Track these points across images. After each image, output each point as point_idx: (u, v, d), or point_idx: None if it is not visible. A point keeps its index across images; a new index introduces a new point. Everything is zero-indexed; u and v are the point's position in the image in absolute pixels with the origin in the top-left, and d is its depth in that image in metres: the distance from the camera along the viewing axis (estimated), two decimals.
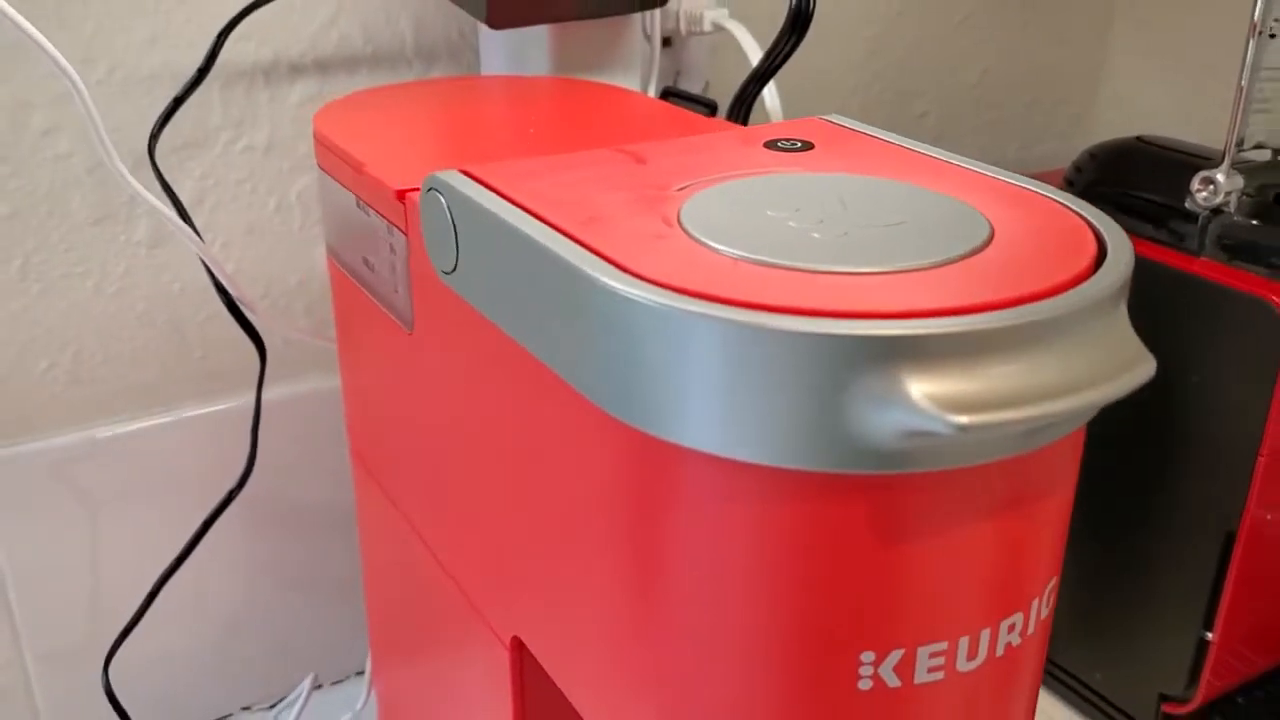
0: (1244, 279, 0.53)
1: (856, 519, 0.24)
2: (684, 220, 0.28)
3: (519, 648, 0.35)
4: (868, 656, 0.25)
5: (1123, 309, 0.25)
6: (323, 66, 0.57)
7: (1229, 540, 0.55)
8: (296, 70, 0.56)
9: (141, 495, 0.59)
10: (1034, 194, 0.30)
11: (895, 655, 0.25)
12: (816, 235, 0.27)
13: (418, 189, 0.33)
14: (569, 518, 0.29)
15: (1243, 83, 0.53)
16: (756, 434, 0.24)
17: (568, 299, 0.26)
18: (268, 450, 0.60)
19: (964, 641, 0.26)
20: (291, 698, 0.62)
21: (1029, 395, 0.22)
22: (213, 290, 0.53)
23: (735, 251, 0.26)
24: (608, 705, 0.30)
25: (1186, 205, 0.56)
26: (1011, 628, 0.26)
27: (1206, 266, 0.55)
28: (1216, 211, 0.55)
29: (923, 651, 0.25)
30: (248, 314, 0.52)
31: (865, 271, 0.25)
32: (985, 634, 0.26)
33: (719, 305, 0.23)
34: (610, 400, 0.26)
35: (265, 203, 0.57)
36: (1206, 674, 0.59)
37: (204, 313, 0.58)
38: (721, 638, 0.26)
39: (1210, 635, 0.57)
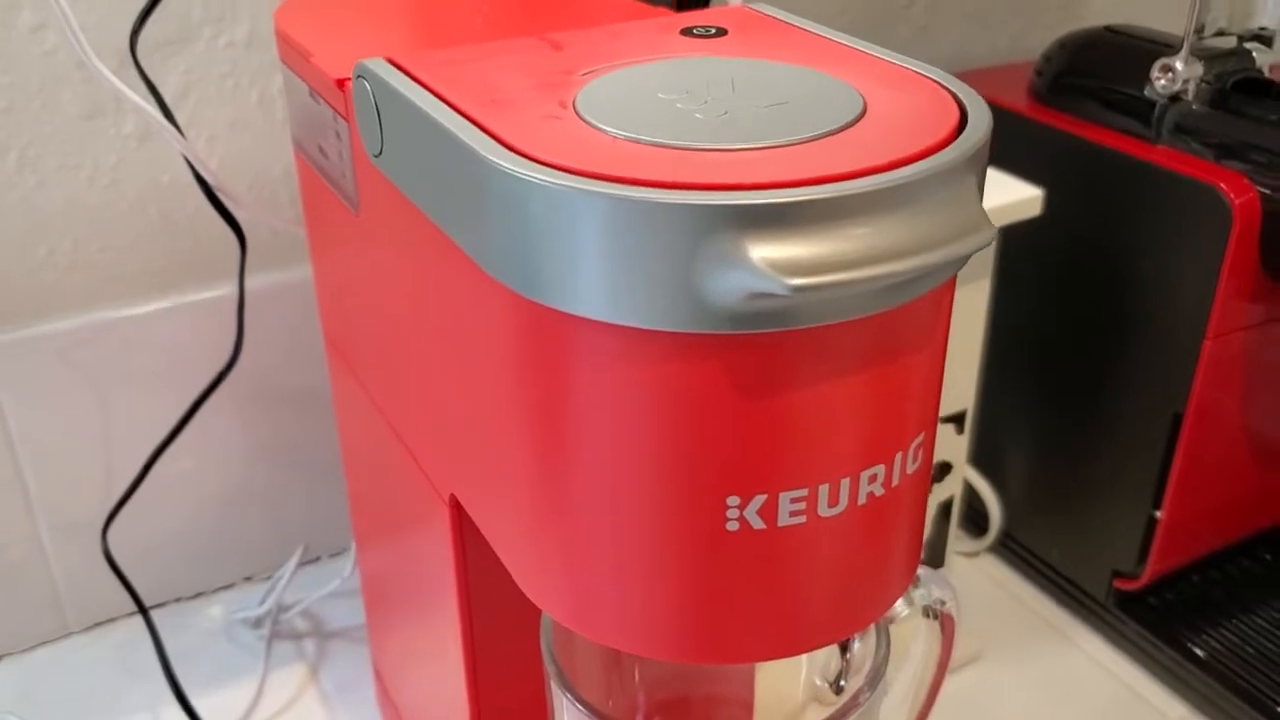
0: (1197, 166, 0.54)
1: (718, 375, 0.26)
2: (578, 103, 0.29)
3: (456, 505, 0.38)
4: (733, 500, 0.28)
5: (971, 180, 0.27)
6: None
7: (1176, 421, 0.57)
8: None
9: (143, 377, 0.62)
10: (919, 75, 0.31)
11: (758, 500, 0.28)
12: (699, 115, 0.28)
13: None
14: (484, 384, 0.32)
15: None
16: (630, 300, 0.26)
17: (469, 179, 0.28)
18: (258, 336, 0.63)
19: (824, 489, 0.28)
20: (284, 568, 0.66)
21: (864, 259, 0.24)
22: (199, 186, 0.55)
23: (618, 131, 0.28)
24: (520, 553, 0.33)
25: (1146, 93, 0.57)
26: (874, 478, 0.29)
27: (1162, 154, 0.56)
28: (1175, 99, 0.56)
29: (784, 496, 0.28)
30: (229, 205, 0.55)
31: (734, 148, 0.27)
32: (845, 483, 0.28)
33: (593, 180, 0.25)
34: (507, 274, 0.28)
35: (248, 96, 0.60)
36: (1155, 551, 0.61)
37: (192, 203, 0.60)
38: (609, 487, 0.29)
39: (1159, 514, 0.60)
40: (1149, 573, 0.62)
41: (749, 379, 0.26)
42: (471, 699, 0.43)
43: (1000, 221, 0.53)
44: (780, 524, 0.28)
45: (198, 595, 0.69)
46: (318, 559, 0.72)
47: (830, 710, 0.37)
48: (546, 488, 0.30)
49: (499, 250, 0.28)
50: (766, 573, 0.29)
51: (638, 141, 0.27)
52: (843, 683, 0.42)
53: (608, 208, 0.25)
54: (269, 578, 0.69)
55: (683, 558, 0.29)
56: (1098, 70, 0.60)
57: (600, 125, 0.28)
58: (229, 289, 0.62)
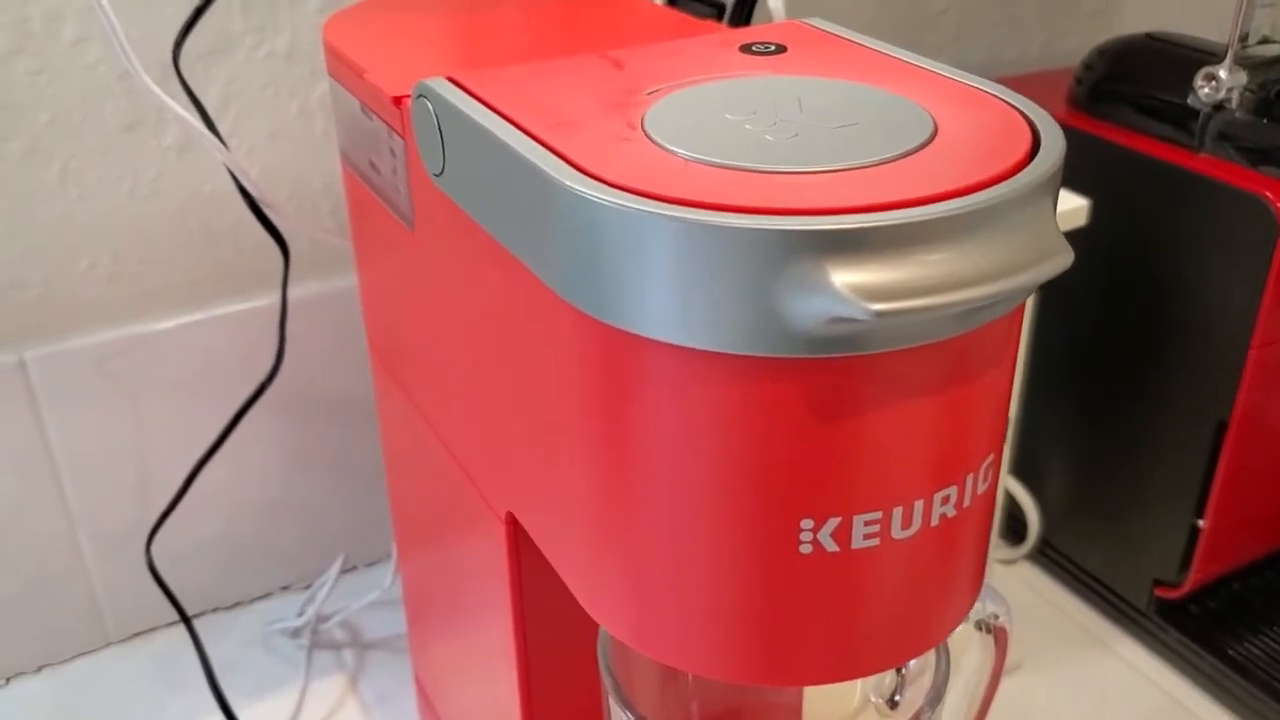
0: (1242, 175, 0.54)
1: (794, 399, 0.26)
2: (647, 124, 0.29)
3: (513, 523, 0.38)
4: (807, 524, 0.28)
5: (1048, 203, 0.27)
6: None
7: (1220, 429, 0.57)
8: None
9: (181, 388, 0.63)
10: (986, 94, 0.31)
11: (832, 523, 0.28)
12: (769, 137, 0.28)
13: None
14: (547, 403, 0.32)
15: None
16: (703, 322, 0.26)
17: (537, 200, 0.28)
18: (298, 346, 0.63)
19: (898, 512, 0.28)
20: (324, 578, 0.66)
21: (944, 284, 0.24)
22: (241, 196, 0.55)
23: (689, 154, 0.28)
24: (582, 572, 0.33)
25: (1189, 102, 0.56)
26: (946, 499, 0.29)
27: (1206, 163, 0.56)
28: (1219, 108, 0.56)
29: (858, 520, 0.28)
30: (271, 216, 0.55)
31: (807, 171, 0.27)
32: (919, 505, 0.28)
33: (667, 205, 0.25)
34: (576, 295, 0.28)
35: (287, 107, 0.60)
36: (1198, 560, 0.61)
37: (233, 214, 0.60)
38: (677, 508, 0.29)
39: (1201, 522, 0.59)
40: (1191, 581, 0.61)
41: (823, 402, 0.26)
42: (525, 713, 0.43)
43: None
44: (854, 546, 0.28)
45: (235, 605, 0.70)
46: (355, 568, 0.72)
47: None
48: (612, 510, 0.30)
49: (569, 272, 0.28)
50: (837, 595, 0.29)
51: (710, 164, 0.27)
52: (898, 698, 0.41)
53: (685, 232, 0.25)
54: (307, 587, 0.69)
55: (752, 580, 0.29)
56: (1140, 78, 0.60)
57: (671, 147, 0.28)
58: (267, 300, 0.62)
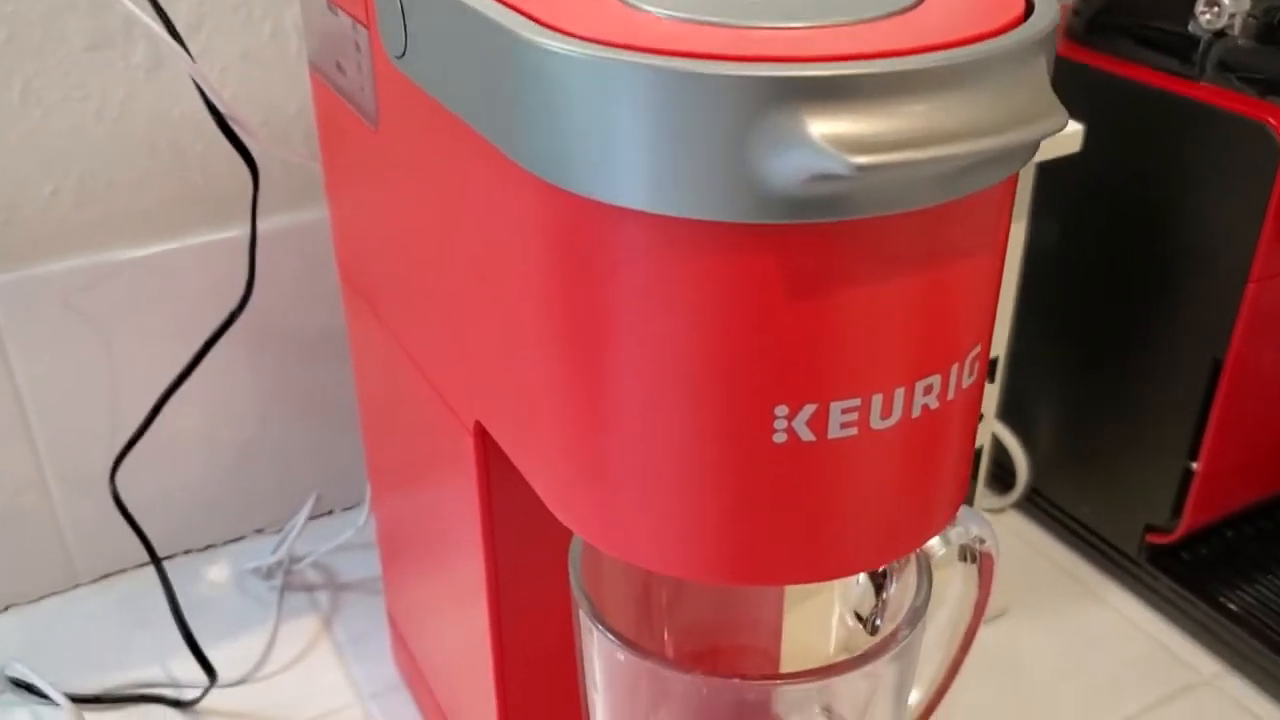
0: (1243, 102, 0.53)
1: (769, 270, 0.25)
2: None
3: (481, 433, 0.36)
4: (781, 410, 0.26)
5: (1041, 66, 0.25)
6: None
7: (1216, 368, 0.55)
8: None
9: (150, 321, 0.61)
10: None
11: (808, 410, 0.26)
12: None
13: None
14: (513, 292, 0.30)
15: None
16: (675, 186, 0.24)
17: (500, 63, 0.26)
18: (271, 278, 0.61)
19: (877, 399, 0.26)
20: (296, 518, 0.65)
21: (929, 138, 0.23)
22: (210, 115, 0.53)
23: (663, 11, 0.26)
24: (551, 473, 0.31)
25: (1189, 29, 0.55)
26: (929, 389, 0.27)
27: (1207, 91, 0.54)
28: (1220, 35, 0.54)
29: (835, 407, 0.26)
30: (242, 136, 0.53)
31: (790, 26, 0.25)
32: (900, 394, 0.27)
33: (637, 53, 0.24)
34: (542, 164, 0.26)
35: (260, 29, 0.58)
36: (1190, 504, 0.59)
37: (204, 139, 0.58)
38: (647, 396, 0.27)
39: (1195, 465, 0.58)
40: (1183, 527, 0.60)
41: (802, 274, 0.25)
42: (495, 644, 0.41)
43: (1037, 158, 0.51)
44: (830, 436, 0.27)
45: (207, 548, 0.68)
46: (330, 512, 0.70)
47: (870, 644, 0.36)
48: (581, 398, 0.29)
49: (532, 138, 0.26)
50: (813, 489, 0.27)
51: (684, 20, 0.25)
52: (878, 622, 0.40)
53: (653, 81, 0.23)
54: (280, 531, 0.67)
55: (724, 472, 0.27)
56: (1138, 6, 0.58)
57: (644, 6, 0.26)
58: (239, 231, 0.61)
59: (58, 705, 0.55)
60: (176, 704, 0.56)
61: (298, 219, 0.62)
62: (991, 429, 0.60)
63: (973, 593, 0.41)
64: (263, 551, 0.66)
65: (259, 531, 0.69)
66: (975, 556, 0.41)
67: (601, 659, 0.35)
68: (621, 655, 0.34)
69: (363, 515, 0.63)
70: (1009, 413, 0.67)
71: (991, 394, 0.58)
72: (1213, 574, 0.61)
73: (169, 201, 0.59)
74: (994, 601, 0.62)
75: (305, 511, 0.64)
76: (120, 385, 0.62)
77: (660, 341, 0.26)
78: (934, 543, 0.39)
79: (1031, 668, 0.59)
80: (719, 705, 0.40)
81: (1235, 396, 0.56)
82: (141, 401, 0.61)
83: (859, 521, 0.28)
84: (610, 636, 0.33)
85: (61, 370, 0.60)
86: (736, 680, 0.33)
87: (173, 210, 0.60)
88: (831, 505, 0.28)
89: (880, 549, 0.29)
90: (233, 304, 0.58)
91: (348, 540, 0.65)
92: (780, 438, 0.26)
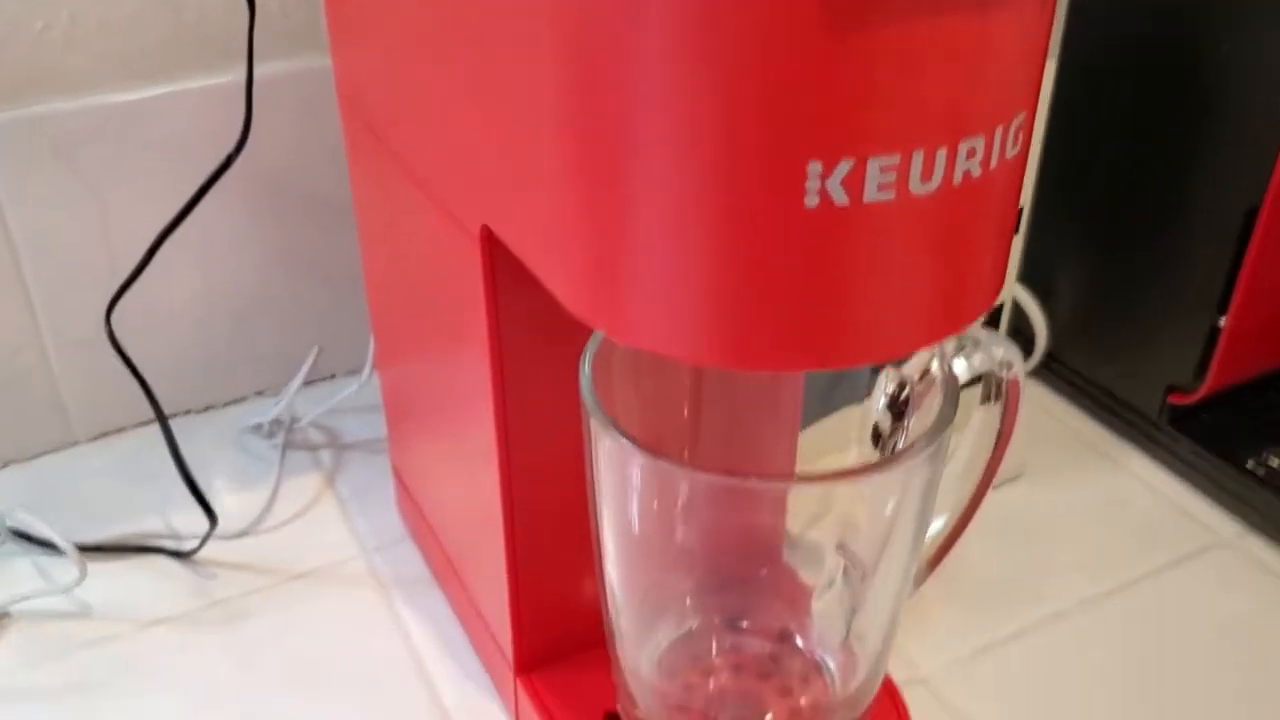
0: None
1: (803, 3, 0.23)
2: None
3: (488, 237, 0.35)
4: (814, 168, 0.24)
5: None
6: None
7: (1250, 218, 0.53)
8: None
9: (144, 167, 0.59)
10: None
11: (844, 167, 0.24)
12: None
13: None
14: (520, 69, 0.28)
15: None
16: None
17: None
18: (269, 126, 0.59)
19: (918, 157, 0.25)
20: (298, 374, 0.63)
21: None
22: None
23: None
24: (562, 262, 0.29)
25: None
26: (971, 153, 0.25)
27: None
28: None
29: (873, 164, 0.24)
30: None
31: None
32: (941, 154, 0.25)
33: None
34: None
35: None
36: (1216, 363, 0.58)
37: None
38: (666, 157, 0.25)
39: (1223, 320, 0.56)
40: (1207, 386, 0.58)
41: (839, 8, 0.23)
42: (503, 466, 0.40)
43: None
44: (866, 200, 0.25)
45: (207, 409, 0.67)
46: (333, 376, 0.69)
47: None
48: (595, 171, 0.27)
49: None
50: (844, 262, 0.26)
51: None
52: (899, 449, 0.39)
53: None
54: (281, 392, 0.66)
55: (751, 241, 0.25)
56: None
57: None
58: (236, 75, 0.58)
59: (60, 554, 0.54)
60: (177, 554, 0.56)
61: (296, 66, 0.59)
62: (1011, 292, 0.59)
63: (996, 422, 0.40)
64: (264, 412, 0.65)
65: (260, 394, 0.68)
66: (1000, 388, 0.39)
67: (611, 469, 0.34)
68: (632, 458, 0.32)
69: (365, 374, 0.62)
70: (1029, 274, 0.65)
71: (1013, 250, 0.56)
72: (1234, 435, 0.59)
73: (163, 41, 0.57)
74: (1008, 464, 0.61)
75: (306, 366, 0.63)
76: (114, 235, 0.60)
77: (679, 91, 0.24)
78: (958, 366, 0.37)
79: (1046, 529, 0.58)
80: (730, 528, 0.39)
81: (1269, 248, 0.54)
82: (137, 253, 0.60)
83: (892, 299, 0.27)
84: (623, 439, 0.32)
85: (54, 220, 0.58)
86: (754, 479, 0.31)
87: (166, 51, 0.57)
88: (863, 281, 0.26)
89: (911, 334, 0.28)
90: (229, 152, 0.56)
91: (350, 400, 0.64)
92: (812, 200, 0.25)
